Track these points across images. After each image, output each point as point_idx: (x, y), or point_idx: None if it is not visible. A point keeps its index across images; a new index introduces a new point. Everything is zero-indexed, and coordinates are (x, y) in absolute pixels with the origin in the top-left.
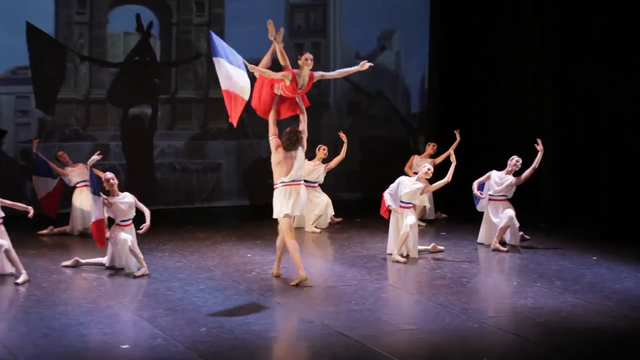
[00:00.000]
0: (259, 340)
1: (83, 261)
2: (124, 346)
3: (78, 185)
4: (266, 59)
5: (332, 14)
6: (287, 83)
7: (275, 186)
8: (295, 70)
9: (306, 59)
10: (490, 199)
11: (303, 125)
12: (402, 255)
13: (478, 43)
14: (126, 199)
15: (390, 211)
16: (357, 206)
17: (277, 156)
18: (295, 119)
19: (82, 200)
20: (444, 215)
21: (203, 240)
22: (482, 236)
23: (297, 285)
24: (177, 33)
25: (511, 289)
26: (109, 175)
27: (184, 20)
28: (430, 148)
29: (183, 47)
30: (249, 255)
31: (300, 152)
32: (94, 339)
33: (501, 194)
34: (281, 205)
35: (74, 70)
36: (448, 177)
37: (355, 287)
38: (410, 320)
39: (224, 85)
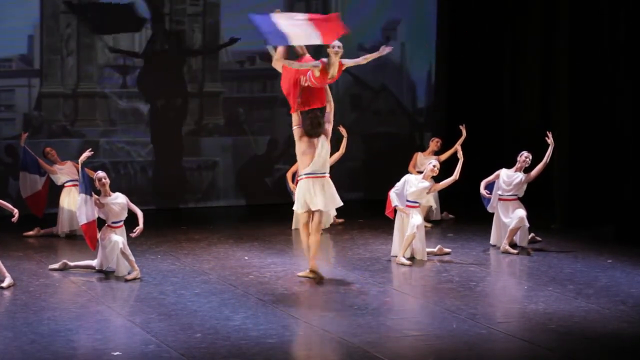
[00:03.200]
0: (256, 346)
1: (71, 264)
2: (115, 353)
3: (66, 184)
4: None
5: (334, 3)
6: (317, 74)
7: (299, 178)
8: (324, 60)
9: (335, 48)
10: (500, 199)
11: (328, 112)
12: (407, 258)
13: (488, 35)
14: (118, 200)
15: (396, 211)
16: (360, 206)
17: (301, 145)
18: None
19: (70, 200)
20: (451, 215)
21: (198, 242)
22: (493, 238)
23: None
24: (169, 24)
25: (521, 293)
26: (101, 174)
27: (177, 10)
28: (433, 144)
29: (176, 38)
30: (246, 258)
31: (323, 141)
32: (84, 345)
33: (511, 193)
34: (303, 198)
35: (61, 62)
36: (456, 174)
37: (358, 291)
38: (415, 325)
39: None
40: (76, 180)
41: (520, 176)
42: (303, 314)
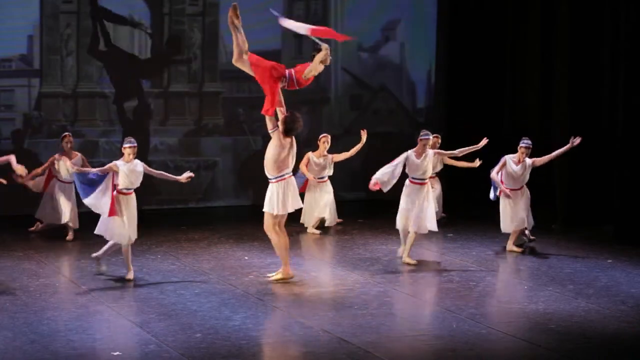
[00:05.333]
0: (256, 346)
1: (100, 253)
2: (115, 353)
3: (65, 180)
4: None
5: (334, 4)
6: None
7: (275, 179)
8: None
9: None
10: (510, 189)
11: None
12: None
13: (488, 34)
14: (138, 168)
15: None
16: (360, 206)
17: (284, 147)
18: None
19: (66, 195)
20: (443, 214)
21: (198, 242)
22: (506, 225)
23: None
24: (169, 23)
25: (521, 293)
26: (132, 139)
27: (176, 10)
28: (434, 141)
29: (175, 38)
30: (246, 258)
31: (293, 140)
32: (84, 345)
33: (521, 184)
34: (284, 199)
35: (61, 62)
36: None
37: (358, 291)
38: (415, 325)
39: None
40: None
41: (528, 164)
42: (303, 314)
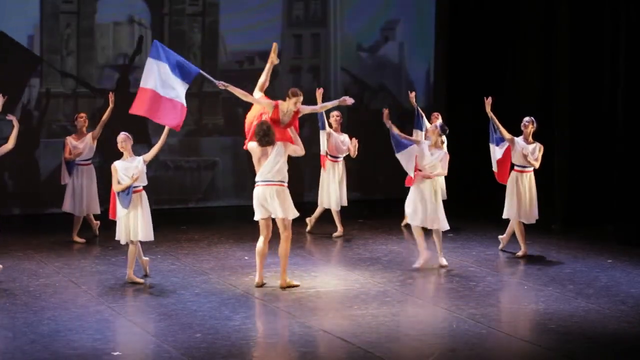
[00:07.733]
0: (256, 346)
1: (130, 272)
2: (115, 353)
3: (82, 162)
4: (263, 79)
5: (333, 3)
6: (270, 114)
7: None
8: (279, 102)
9: (299, 96)
10: (520, 171)
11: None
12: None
13: (487, 34)
14: (134, 163)
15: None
16: (359, 206)
17: (255, 154)
18: None
19: (81, 181)
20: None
21: (198, 242)
22: (512, 212)
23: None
24: (169, 23)
25: (521, 293)
26: (125, 132)
27: (176, 10)
28: (433, 118)
29: (175, 38)
30: (246, 258)
31: (277, 149)
32: (84, 345)
33: (532, 163)
34: (255, 207)
35: (61, 62)
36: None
37: (358, 291)
38: (415, 325)
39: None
40: (89, 160)
41: (537, 146)
42: (303, 314)
